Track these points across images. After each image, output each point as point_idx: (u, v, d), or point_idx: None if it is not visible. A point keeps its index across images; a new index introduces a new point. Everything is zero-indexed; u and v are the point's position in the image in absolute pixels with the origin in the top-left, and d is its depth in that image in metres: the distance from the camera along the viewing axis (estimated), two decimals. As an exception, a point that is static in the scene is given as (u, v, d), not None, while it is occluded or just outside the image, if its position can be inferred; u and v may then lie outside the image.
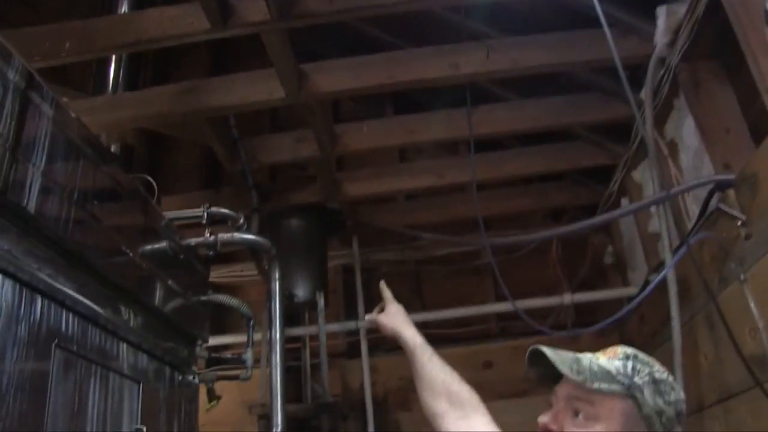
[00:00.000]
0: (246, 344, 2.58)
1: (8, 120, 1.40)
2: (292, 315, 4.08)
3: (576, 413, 1.22)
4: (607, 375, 1.22)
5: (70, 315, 1.66)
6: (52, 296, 1.58)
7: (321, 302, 3.95)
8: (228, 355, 2.66)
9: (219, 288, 4.10)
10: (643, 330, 3.74)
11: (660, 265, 2.95)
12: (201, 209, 2.52)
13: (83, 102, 3.19)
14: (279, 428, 2.42)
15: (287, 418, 2.60)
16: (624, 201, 3.85)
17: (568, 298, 4.05)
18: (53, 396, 1.53)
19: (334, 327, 4.16)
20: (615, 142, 3.75)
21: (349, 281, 4.53)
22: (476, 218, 4.07)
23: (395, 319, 1.93)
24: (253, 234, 2.74)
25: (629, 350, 1.31)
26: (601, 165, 3.94)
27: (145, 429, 1.92)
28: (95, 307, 1.78)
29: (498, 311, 4.26)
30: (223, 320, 4.36)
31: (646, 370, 1.25)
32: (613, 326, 4.14)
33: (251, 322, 2.61)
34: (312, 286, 3.94)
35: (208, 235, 2.41)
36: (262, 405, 3.72)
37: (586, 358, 1.27)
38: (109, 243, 1.87)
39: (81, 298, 1.71)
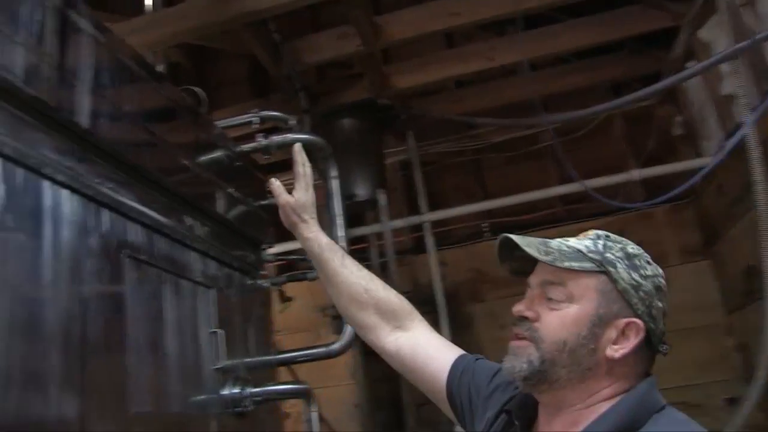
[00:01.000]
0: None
1: (55, 40, 1.41)
2: (355, 216, 4.08)
3: (550, 297, 1.19)
4: (577, 254, 1.19)
5: (137, 226, 1.68)
6: (117, 209, 1.60)
7: (382, 200, 3.93)
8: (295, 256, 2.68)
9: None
10: (720, 201, 3.59)
11: (737, 128, 2.79)
12: (251, 114, 2.49)
13: (123, 25, 3.16)
14: (349, 333, 2.44)
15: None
16: (690, 64, 3.64)
17: (636, 174, 3.88)
18: (130, 303, 1.57)
19: (398, 223, 4.16)
20: (675, 0, 3.52)
21: (409, 177, 4.50)
22: (531, 101, 3.96)
23: (302, 209, 1.71)
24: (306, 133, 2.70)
25: (600, 231, 1.27)
26: (660, 29, 3.71)
27: (221, 332, 1.97)
28: (159, 217, 1.79)
29: (563, 193, 4.15)
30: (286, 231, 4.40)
31: (618, 246, 1.22)
32: (687, 201, 4.04)
33: (315, 222, 2.61)
34: (371, 185, 3.93)
35: (261, 138, 2.39)
36: (333, 306, 3.78)
37: (555, 241, 1.23)
38: (166, 155, 1.88)
39: (145, 209, 1.72)
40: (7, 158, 1.26)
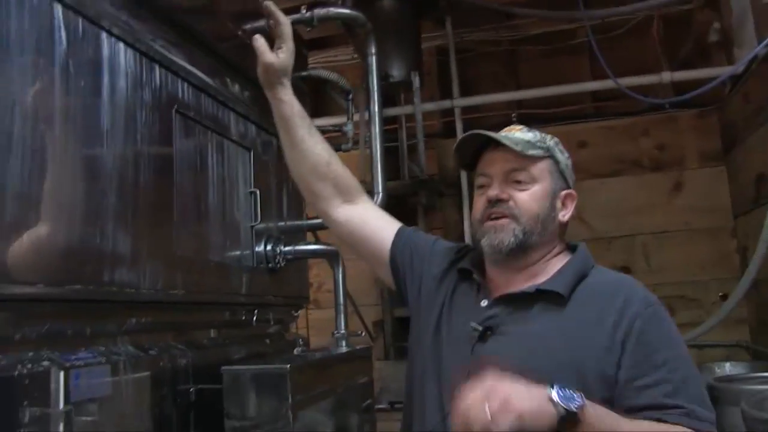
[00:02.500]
0: (346, 117, 2.66)
1: None
2: (388, 96, 4.12)
3: (518, 180, 1.44)
4: (530, 144, 1.45)
5: (185, 84, 1.77)
6: (168, 66, 1.68)
7: (416, 82, 3.96)
8: (330, 127, 2.76)
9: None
10: (746, 109, 3.60)
11: (771, 37, 2.78)
12: (295, -15, 2.51)
13: None
14: (380, 200, 2.53)
15: (387, 195, 2.73)
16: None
17: (666, 76, 3.88)
18: (178, 156, 1.68)
19: (430, 106, 4.20)
20: None
21: (444, 63, 4.50)
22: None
23: (284, 71, 1.70)
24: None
25: (522, 125, 1.55)
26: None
27: (258, 192, 2.08)
28: (206, 78, 1.87)
29: (594, 89, 4.17)
30: (321, 106, 4.48)
31: (548, 135, 1.52)
32: (713, 108, 4.07)
33: (350, 95, 2.67)
34: (407, 66, 3.94)
35: (304, 11, 2.42)
36: (362, 182, 3.87)
37: (510, 134, 1.48)
38: (214, 20, 1.95)
39: (193, 69, 1.80)
40: (68, 6, 1.33)
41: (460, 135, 4.13)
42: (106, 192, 1.39)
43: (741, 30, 3.68)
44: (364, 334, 3.15)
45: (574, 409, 1.13)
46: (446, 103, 4.23)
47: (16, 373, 1.12)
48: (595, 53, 3.44)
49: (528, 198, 1.43)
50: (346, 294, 2.33)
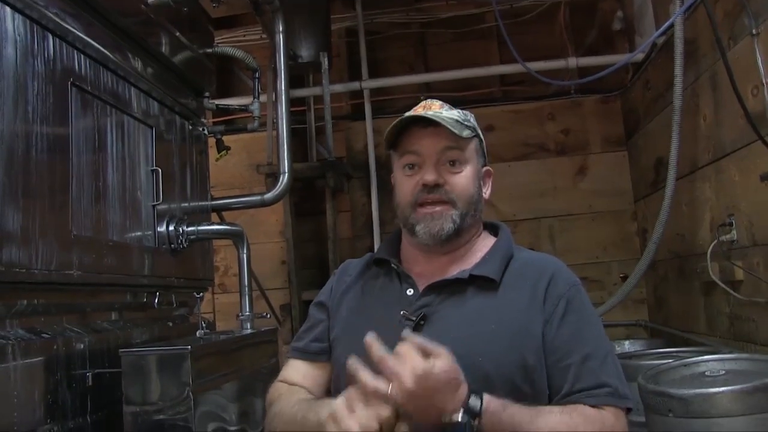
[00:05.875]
0: (252, 95, 2.61)
1: None
2: (297, 77, 4.07)
3: (452, 162, 1.37)
4: (461, 124, 1.38)
5: (82, 56, 1.69)
6: (63, 36, 1.60)
7: (325, 63, 3.92)
8: (236, 106, 2.71)
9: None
10: (646, 96, 3.76)
11: (671, 27, 2.90)
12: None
13: None
14: (285, 181, 2.49)
15: (294, 177, 2.70)
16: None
17: (573, 62, 3.99)
18: (74, 131, 1.60)
19: (339, 88, 4.17)
20: None
21: (353, 44, 4.46)
22: (482, -21, 3.95)
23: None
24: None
25: (439, 101, 1.46)
26: None
27: (160, 171, 2.02)
28: (105, 51, 1.80)
29: (503, 73, 4.24)
30: (229, 85, 4.38)
31: (466, 112, 1.45)
32: (616, 94, 4.22)
33: (257, 74, 2.62)
34: (316, 47, 3.90)
35: (210, -15, 2.36)
36: (269, 164, 3.83)
37: (438, 113, 1.38)
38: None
39: (91, 41, 1.72)
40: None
41: (368, 117, 4.17)
42: (-9, 167, 1.31)
43: (642, 19, 3.83)
44: (269, 316, 3.11)
45: None
46: (355, 85, 4.21)
47: None
48: (503, 38, 3.48)
49: (462, 181, 1.37)
50: (252, 276, 2.30)
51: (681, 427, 1.97)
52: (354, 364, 1.13)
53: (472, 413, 1.12)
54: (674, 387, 2.02)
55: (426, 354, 1.11)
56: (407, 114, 1.38)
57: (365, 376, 1.10)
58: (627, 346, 3.52)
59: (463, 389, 1.13)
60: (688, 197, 3.07)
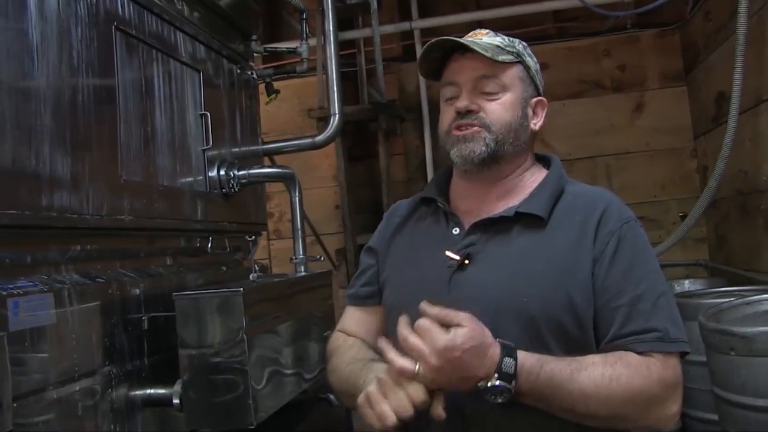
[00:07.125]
0: (300, 38, 2.57)
1: None
2: (346, 19, 4.00)
3: (488, 91, 1.33)
4: (500, 49, 1.33)
5: (126, 0, 1.66)
6: (105, -21, 1.57)
7: (374, 3, 3.82)
8: (284, 49, 2.67)
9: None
10: (707, 27, 3.58)
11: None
12: None
13: None
14: (336, 122, 2.45)
15: (346, 120, 2.66)
16: None
17: (629, -7, 3.84)
18: (120, 76, 1.59)
19: (388, 29, 4.09)
20: None
21: (403, -17, 4.37)
22: None
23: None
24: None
25: (488, 29, 1.41)
26: None
27: (209, 115, 2.00)
28: (150, -6, 1.77)
29: (556, 8, 4.10)
30: (277, 30, 4.34)
31: (516, 40, 1.39)
32: (675, 27, 4.04)
33: (304, 15, 2.57)
34: (365, -13, 3.82)
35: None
36: (320, 108, 3.80)
37: (477, 39, 1.35)
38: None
39: (134, -17, 1.70)
40: None
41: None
42: (39, 112, 1.31)
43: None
44: (323, 258, 3.12)
45: (500, 401, 1.10)
46: (405, 26, 4.13)
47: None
48: (558, -28, 3.35)
49: (499, 108, 1.32)
50: (305, 218, 2.29)
51: (743, 366, 1.91)
52: (382, 342, 1.14)
53: (506, 376, 1.10)
54: (736, 325, 1.96)
55: (447, 325, 1.09)
56: (437, 39, 1.33)
57: (393, 356, 1.11)
58: (687, 285, 3.45)
59: (494, 351, 1.11)
60: (752, 132, 2.93)
